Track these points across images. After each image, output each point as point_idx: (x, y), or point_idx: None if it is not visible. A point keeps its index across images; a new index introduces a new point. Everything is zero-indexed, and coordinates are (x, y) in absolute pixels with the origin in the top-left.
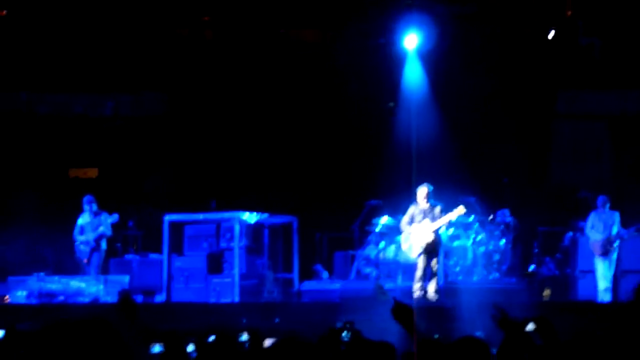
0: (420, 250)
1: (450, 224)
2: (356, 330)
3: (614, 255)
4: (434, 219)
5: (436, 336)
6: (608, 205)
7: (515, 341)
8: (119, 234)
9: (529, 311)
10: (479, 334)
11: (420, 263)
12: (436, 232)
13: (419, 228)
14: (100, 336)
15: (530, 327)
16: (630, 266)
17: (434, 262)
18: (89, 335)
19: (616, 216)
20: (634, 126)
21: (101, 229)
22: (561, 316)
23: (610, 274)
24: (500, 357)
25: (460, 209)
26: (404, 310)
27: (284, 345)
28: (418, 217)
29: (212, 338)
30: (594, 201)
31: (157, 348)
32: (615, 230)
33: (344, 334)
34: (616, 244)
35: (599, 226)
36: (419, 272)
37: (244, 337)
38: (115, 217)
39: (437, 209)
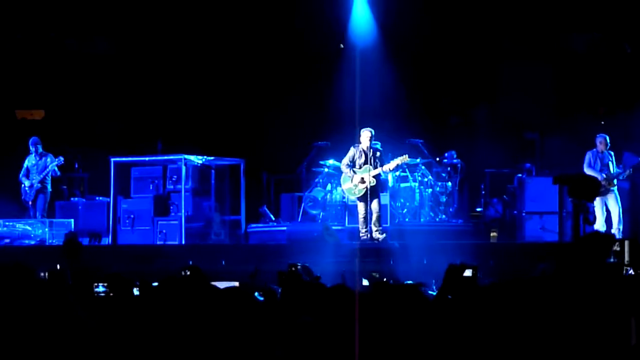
0: (360, 193)
1: (396, 167)
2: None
3: (616, 193)
4: (374, 161)
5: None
6: (608, 144)
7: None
8: (65, 177)
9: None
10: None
11: (361, 206)
12: (377, 176)
13: (360, 172)
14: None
15: (467, 272)
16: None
17: (374, 204)
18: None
19: (612, 155)
20: (579, 66)
21: (49, 168)
22: (507, 258)
23: (617, 212)
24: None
25: (404, 157)
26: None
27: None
28: (359, 160)
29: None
30: (539, 142)
31: (100, 288)
32: (613, 168)
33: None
34: (615, 182)
35: (597, 165)
36: (361, 216)
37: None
38: (60, 159)
39: (378, 153)
